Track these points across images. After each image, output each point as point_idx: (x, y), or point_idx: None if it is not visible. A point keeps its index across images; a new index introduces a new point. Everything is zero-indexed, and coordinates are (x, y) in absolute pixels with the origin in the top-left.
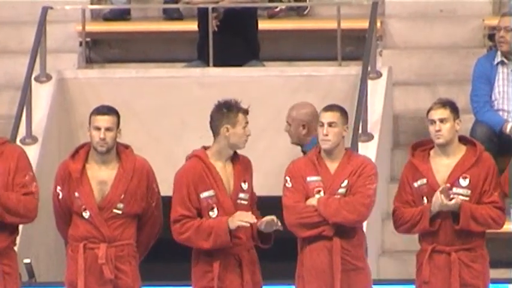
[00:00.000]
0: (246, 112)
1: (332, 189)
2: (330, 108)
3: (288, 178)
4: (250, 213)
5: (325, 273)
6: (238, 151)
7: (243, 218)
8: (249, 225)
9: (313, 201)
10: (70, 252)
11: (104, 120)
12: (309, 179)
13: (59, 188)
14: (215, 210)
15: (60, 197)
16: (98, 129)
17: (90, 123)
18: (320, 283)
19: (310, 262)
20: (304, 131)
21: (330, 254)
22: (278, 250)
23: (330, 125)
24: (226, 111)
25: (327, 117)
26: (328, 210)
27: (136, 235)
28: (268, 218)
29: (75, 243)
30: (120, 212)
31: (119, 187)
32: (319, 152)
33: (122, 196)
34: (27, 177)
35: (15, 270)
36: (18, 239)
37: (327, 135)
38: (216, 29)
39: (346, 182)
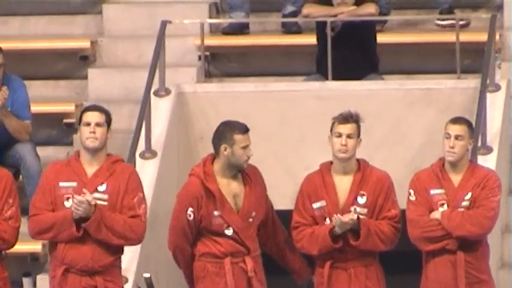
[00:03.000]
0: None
1: (456, 202)
2: (457, 121)
3: (411, 191)
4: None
5: (449, 287)
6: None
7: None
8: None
9: (436, 214)
10: (210, 268)
11: (248, 139)
12: (432, 191)
13: (190, 209)
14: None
15: (192, 218)
16: (245, 147)
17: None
18: None
19: (435, 275)
20: None
21: (454, 267)
22: (402, 263)
23: (456, 137)
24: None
25: (454, 129)
26: (452, 223)
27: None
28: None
29: (215, 259)
30: (252, 220)
31: (251, 196)
32: (443, 165)
33: (253, 204)
34: (136, 198)
35: (119, 286)
36: (137, 254)
37: (453, 147)
38: (331, 38)
39: (469, 194)
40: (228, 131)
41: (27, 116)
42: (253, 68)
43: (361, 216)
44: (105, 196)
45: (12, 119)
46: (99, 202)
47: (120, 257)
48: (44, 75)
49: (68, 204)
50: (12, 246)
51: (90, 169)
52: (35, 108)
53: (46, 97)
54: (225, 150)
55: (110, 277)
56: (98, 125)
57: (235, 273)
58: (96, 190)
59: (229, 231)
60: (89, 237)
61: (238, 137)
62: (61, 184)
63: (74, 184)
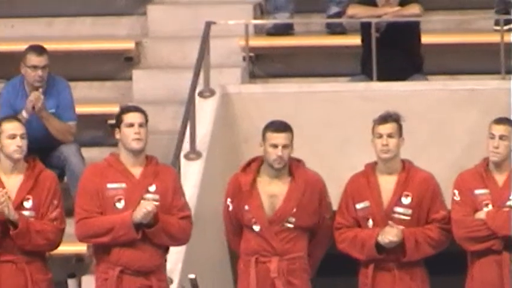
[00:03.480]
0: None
1: (500, 202)
2: (501, 121)
3: (456, 191)
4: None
5: (495, 287)
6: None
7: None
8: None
9: (481, 214)
10: (242, 266)
11: (281, 138)
12: (476, 191)
13: (229, 200)
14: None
15: (230, 209)
16: (275, 146)
17: (264, 139)
18: None
19: (480, 276)
20: None
21: (500, 267)
22: (447, 264)
23: (500, 138)
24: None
25: (498, 130)
26: (497, 223)
27: (308, 248)
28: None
29: (247, 257)
30: (291, 225)
31: (291, 201)
32: (487, 165)
33: (294, 210)
34: (183, 199)
35: (167, 286)
36: (182, 255)
37: (497, 147)
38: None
39: None
40: (265, 128)
41: (72, 118)
42: (297, 69)
43: (405, 218)
44: (157, 196)
45: (54, 121)
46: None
47: (166, 255)
48: (89, 76)
49: (119, 205)
50: (56, 248)
51: (135, 170)
52: (80, 109)
53: (91, 98)
54: (261, 147)
55: (162, 276)
56: (141, 125)
57: (259, 273)
58: (147, 191)
59: (256, 227)
60: (143, 238)
61: (269, 134)
62: (109, 186)
63: (123, 185)
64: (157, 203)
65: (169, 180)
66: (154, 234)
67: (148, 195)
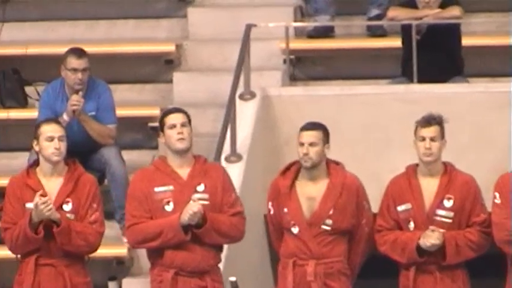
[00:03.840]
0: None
1: None
2: None
3: (496, 194)
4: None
5: None
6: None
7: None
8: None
9: None
10: (281, 269)
11: (307, 135)
12: None
13: (270, 203)
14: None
15: (272, 212)
16: (302, 144)
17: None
18: None
19: None
20: None
21: None
22: (487, 266)
23: None
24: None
25: None
26: None
27: (347, 252)
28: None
29: (286, 259)
30: (328, 228)
31: (327, 203)
32: None
33: (331, 212)
34: (234, 195)
35: (223, 286)
36: (223, 257)
37: None
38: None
39: None
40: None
41: (112, 120)
42: (338, 72)
43: (447, 220)
44: (206, 195)
45: (94, 124)
46: (201, 202)
47: (220, 255)
48: (130, 79)
49: (168, 208)
50: (95, 251)
51: (182, 171)
52: (120, 112)
53: (131, 101)
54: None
55: (216, 277)
56: (183, 125)
57: (296, 276)
58: (195, 191)
59: (295, 229)
60: (195, 239)
61: (300, 132)
62: (156, 189)
63: (171, 187)
64: (206, 202)
65: (218, 177)
66: (204, 234)
67: (195, 195)
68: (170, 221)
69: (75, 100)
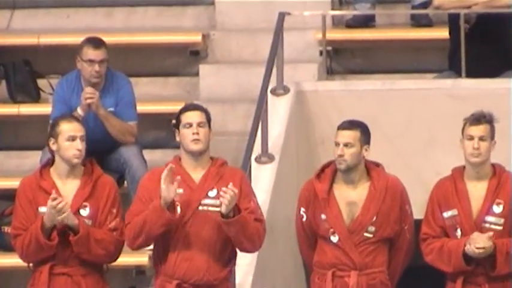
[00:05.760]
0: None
1: None
2: None
3: None
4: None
5: None
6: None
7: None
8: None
9: None
10: (316, 280)
11: (342, 135)
12: None
13: (302, 209)
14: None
15: (304, 219)
16: (337, 144)
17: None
18: None
19: None
20: None
21: None
22: None
23: None
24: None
25: None
26: None
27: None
28: None
29: (322, 270)
30: (371, 235)
31: (370, 208)
32: None
33: (374, 218)
34: (253, 202)
35: None
36: (253, 267)
37: None
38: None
39: None
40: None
41: (133, 117)
42: (379, 64)
43: (497, 227)
44: (217, 202)
45: (114, 120)
46: (211, 209)
47: (232, 270)
48: (152, 71)
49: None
50: (115, 260)
51: (195, 174)
52: (142, 107)
53: (153, 95)
54: None
55: None
56: (200, 125)
57: None
58: (206, 196)
59: (334, 238)
60: (201, 249)
61: (336, 131)
62: None
63: (180, 190)
64: (217, 209)
65: (235, 183)
66: (234, 225)
67: (206, 201)
68: (153, 205)
69: (89, 92)
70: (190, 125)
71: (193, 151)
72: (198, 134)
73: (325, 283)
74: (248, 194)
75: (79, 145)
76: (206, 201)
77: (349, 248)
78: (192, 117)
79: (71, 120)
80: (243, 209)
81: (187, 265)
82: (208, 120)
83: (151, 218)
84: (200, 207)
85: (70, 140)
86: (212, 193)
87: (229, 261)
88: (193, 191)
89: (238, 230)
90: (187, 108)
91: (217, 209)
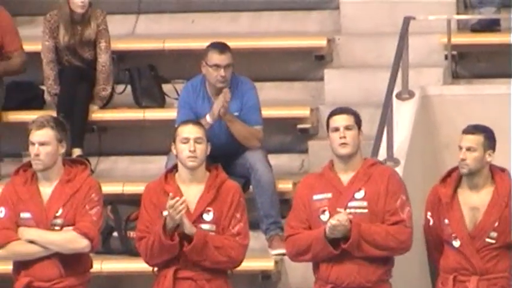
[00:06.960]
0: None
1: None
2: None
3: None
4: None
5: None
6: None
7: None
8: None
9: None
10: (440, 285)
11: (465, 139)
12: None
13: (429, 214)
14: None
15: (431, 223)
16: (461, 148)
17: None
18: None
19: None
20: None
21: None
22: None
23: None
24: None
25: None
26: None
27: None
28: None
29: (445, 275)
30: (493, 241)
31: (493, 214)
32: None
33: (496, 224)
34: (399, 201)
35: None
36: None
37: None
38: None
39: None
40: None
41: (258, 121)
42: (504, 69)
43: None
44: (364, 203)
45: (239, 125)
46: (358, 211)
47: (390, 270)
48: (276, 76)
49: (324, 217)
50: (239, 265)
51: (345, 176)
52: (266, 112)
53: (278, 100)
54: None
55: None
56: (347, 128)
57: None
58: (353, 198)
59: (456, 243)
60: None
61: (461, 135)
62: (315, 197)
63: (329, 195)
64: (365, 210)
65: (382, 182)
66: (353, 248)
67: (353, 203)
68: (317, 233)
69: (224, 101)
70: (338, 129)
71: (341, 154)
72: (345, 137)
73: (447, 287)
74: (395, 192)
75: (192, 146)
76: (352, 203)
77: (471, 253)
78: (339, 121)
79: (187, 123)
80: (387, 211)
81: (338, 269)
82: (358, 122)
83: (316, 247)
84: (347, 210)
85: (184, 142)
86: (359, 194)
87: (386, 261)
88: (340, 194)
89: (363, 248)
90: (335, 111)
91: (365, 210)
